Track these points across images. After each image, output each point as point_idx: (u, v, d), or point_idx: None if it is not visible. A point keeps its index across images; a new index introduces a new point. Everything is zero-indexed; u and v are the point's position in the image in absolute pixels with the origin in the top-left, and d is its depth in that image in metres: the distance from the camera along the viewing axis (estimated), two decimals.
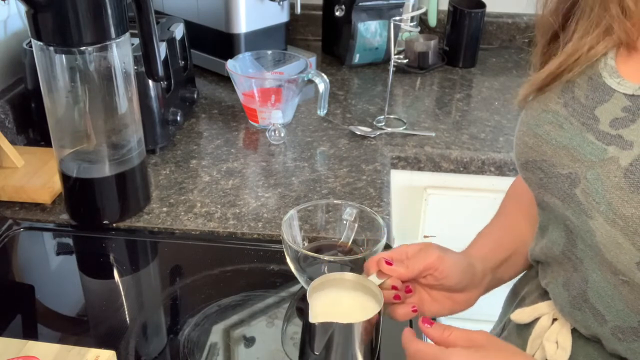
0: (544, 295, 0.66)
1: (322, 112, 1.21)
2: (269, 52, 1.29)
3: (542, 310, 0.66)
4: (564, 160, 0.57)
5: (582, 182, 0.55)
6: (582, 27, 0.57)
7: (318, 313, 0.61)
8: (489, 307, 1.03)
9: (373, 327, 0.60)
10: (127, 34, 0.82)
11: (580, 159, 0.55)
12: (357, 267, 0.77)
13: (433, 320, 0.58)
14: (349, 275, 0.65)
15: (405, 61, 1.44)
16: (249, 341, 0.73)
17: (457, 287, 0.67)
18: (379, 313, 0.60)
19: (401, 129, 1.21)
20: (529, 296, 0.70)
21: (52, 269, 0.86)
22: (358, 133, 1.18)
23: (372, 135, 1.18)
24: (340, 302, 0.64)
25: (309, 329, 0.62)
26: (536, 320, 0.66)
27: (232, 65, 1.20)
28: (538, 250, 0.66)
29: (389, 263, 0.63)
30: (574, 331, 0.62)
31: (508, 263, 0.72)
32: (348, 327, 0.59)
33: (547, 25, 0.62)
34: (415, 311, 0.64)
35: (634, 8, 0.53)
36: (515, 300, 0.75)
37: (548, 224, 0.63)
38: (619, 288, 0.54)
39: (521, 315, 0.68)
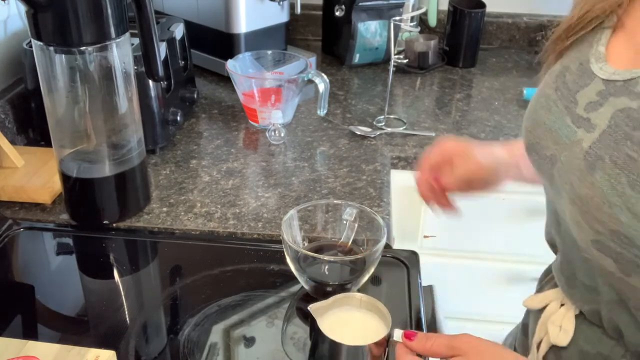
0: (556, 284, 0.69)
1: (322, 112, 1.21)
2: (269, 52, 1.29)
3: (551, 297, 0.68)
4: (548, 142, 0.59)
5: (557, 163, 0.57)
6: None
7: (327, 332, 0.61)
8: (489, 307, 1.04)
9: (382, 349, 0.60)
10: (127, 34, 0.82)
11: (558, 142, 0.57)
12: (357, 267, 0.77)
13: (414, 332, 0.59)
14: (357, 295, 0.65)
15: (405, 61, 1.44)
16: (249, 341, 0.73)
17: (478, 183, 0.80)
18: (388, 334, 0.60)
19: (401, 129, 1.21)
20: (546, 285, 0.73)
21: (52, 269, 0.86)
22: (358, 133, 1.18)
23: (372, 135, 1.18)
24: (349, 322, 0.64)
25: (317, 350, 0.62)
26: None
27: (232, 65, 1.20)
28: (545, 232, 0.70)
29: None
30: (578, 316, 0.64)
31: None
32: (357, 349, 0.59)
33: None
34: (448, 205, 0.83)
35: None
36: (536, 291, 0.78)
37: (547, 206, 0.67)
38: (590, 265, 0.57)
39: (532, 301, 0.72)
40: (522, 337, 0.78)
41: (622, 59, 0.55)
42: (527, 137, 0.64)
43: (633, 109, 0.50)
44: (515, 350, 0.80)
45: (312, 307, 0.62)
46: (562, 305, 0.66)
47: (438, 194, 0.82)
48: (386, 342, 0.60)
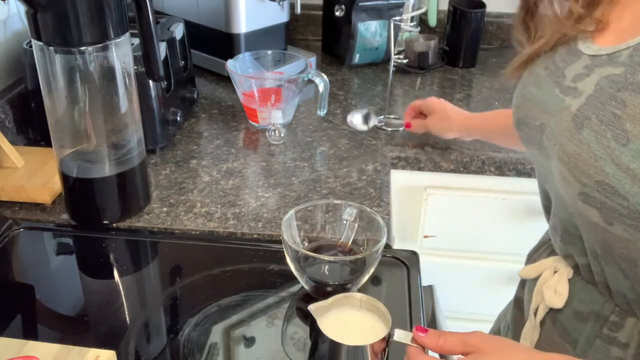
0: (549, 254, 0.74)
1: (322, 112, 1.21)
2: (269, 52, 1.29)
3: (545, 265, 0.73)
4: (538, 113, 0.65)
5: (547, 129, 0.63)
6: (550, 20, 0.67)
7: (327, 332, 0.61)
8: (489, 307, 1.04)
9: (382, 348, 0.60)
10: (127, 34, 0.82)
11: (547, 111, 0.63)
12: (357, 267, 0.77)
13: (426, 328, 0.59)
14: (349, 295, 0.65)
15: (405, 61, 1.44)
16: (249, 341, 0.73)
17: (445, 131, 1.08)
18: (388, 334, 0.60)
19: (401, 129, 1.21)
20: (538, 258, 0.77)
21: (52, 269, 0.86)
22: (359, 128, 1.18)
23: (367, 129, 1.18)
24: (349, 322, 0.64)
25: (317, 350, 0.62)
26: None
27: (232, 65, 1.20)
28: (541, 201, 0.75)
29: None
30: (571, 279, 0.69)
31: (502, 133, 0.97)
32: (357, 349, 0.59)
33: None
34: (408, 126, 1.13)
35: (584, 13, 0.62)
36: (528, 264, 0.81)
37: (538, 175, 0.73)
38: (578, 221, 0.62)
39: (527, 271, 0.76)
40: (516, 311, 0.81)
41: (605, 39, 0.60)
42: (516, 113, 0.70)
43: (617, 74, 0.55)
44: (508, 327, 0.84)
45: (312, 307, 0.62)
46: (555, 272, 0.71)
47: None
48: (386, 342, 0.60)
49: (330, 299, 0.64)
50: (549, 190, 0.69)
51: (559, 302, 0.69)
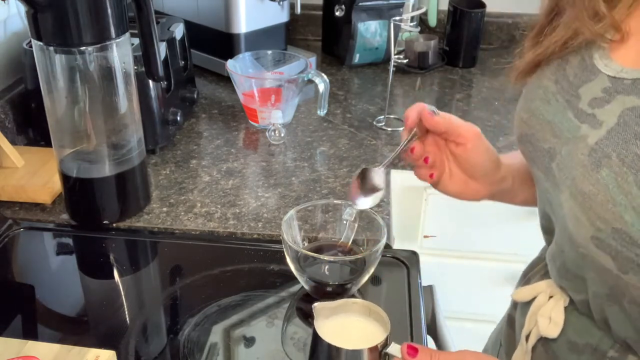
0: (544, 275, 0.69)
1: (322, 112, 1.21)
2: (269, 52, 1.29)
3: (540, 288, 0.68)
4: (547, 135, 0.59)
5: (557, 157, 0.57)
6: (568, 15, 0.58)
7: (324, 335, 0.61)
8: (489, 307, 1.04)
9: (380, 353, 0.60)
10: (127, 34, 0.82)
11: (558, 135, 0.57)
12: (357, 267, 0.77)
13: (416, 347, 0.57)
14: (357, 301, 0.65)
15: (405, 61, 1.44)
16: (249, 341, 0.73)
17: (478, 170, 0.71)
18: (386, 339, 0.60)
19: (401, 129, 1.21)
20: (533, 278, 0.73)
21: (52, 269, 0.86)
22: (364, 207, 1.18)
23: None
24: (348, 328, 0.64)
25: (314, 352, 0.62)
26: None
27: (232, 65, 1.20)
28: (540, 220, 0.69)
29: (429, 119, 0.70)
30: (567, 308, 0.64)
31: (527, 183, 0.75)
32: (356, 353, 0.59)
33: (547, 5, 0.63)
34: (432, 176, 0.71)
35: (606, 12, 0.54)
36: (521, 283, 0.77)
37: (539, 196, 0.66)
38: (584, 259, 0.56)
39: (521, 293, 0.71)
40: (508, 329, 0.77)
41: (626, 56, 0.54)
42: (521, 128, 0.63)
43: None
44: (501, 344, 0.80)
45: (317, 306, 0.62)
46: (550, 297, 0.66)
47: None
48: (381, 349, 0.60)
49: (335, 303, 0.64)
50: (553, 218, 0.62)
51: (553, 331, 0.64)
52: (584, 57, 0.57)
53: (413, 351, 0.55)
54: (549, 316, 0.65)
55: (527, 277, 0.75)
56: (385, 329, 0.62)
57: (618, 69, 0.53)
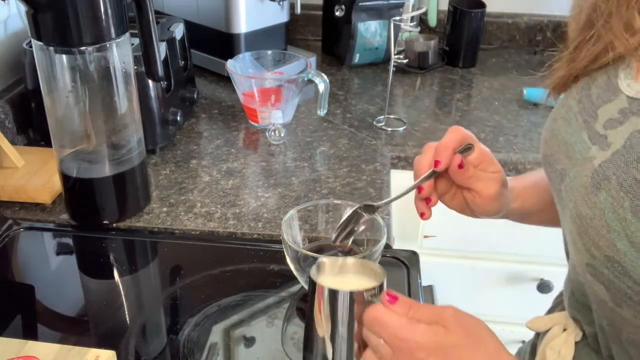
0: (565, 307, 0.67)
1: (322, 112, 1.21)
2: (269, 52, 1.29)
3: (555, 320, 0.66)
4: (561, 156, 0.56)
5: (567, 179, 0.54)
6: (602, 27, 0.55)
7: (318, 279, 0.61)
8: (489, 307, 1.04)
9: (366, 299, 0.59)
10: (127, 34, 0.82)
11: (571, 157, 0.55)
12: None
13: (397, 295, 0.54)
14: (350, 260, 0.65)
15: (405, 61, 1.43)
16: (249, 341, 0.73)
17: (482, 214, 0.69)
18: (375, 288, 0.58)
19: (401, 129, 1.21)
20: (557, 307, 0.71)
21: (52, 269, 0.86)
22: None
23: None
24: (344, 281, 0.64)
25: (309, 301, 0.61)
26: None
27: (232, 65, 1.20)
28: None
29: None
30: (578, 343, 0.62)
31: (539, 205, 0.73)
32: (351, 296, 0.59)
33: (584, 19, 0.58)
34: (423, 216, 0.69)
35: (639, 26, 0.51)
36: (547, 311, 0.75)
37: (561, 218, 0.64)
38: (588, 291, 0.55)
39: (535, 323, 0.69)
40: (530, 358, 0.73)
41: None
42: (543, 148, 0.61)
43: None
44: None
45: (320, 261, 0.62)
46: (564, 330, 0.64)
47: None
48: (369, 296, 0.58)
49: (338, 261, 0.63)
50: (565, 243, 0.60)
51: None
52: (610, 76, 0.54)
53: (392, 299, 0.54)
54: (558, 350, 0.63)
55: (554, 304, 0.73)
56: (378, 280, 0.61)
57: (638, 89, 0.50)
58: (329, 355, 0.60)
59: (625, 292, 0.47)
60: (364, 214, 0.71)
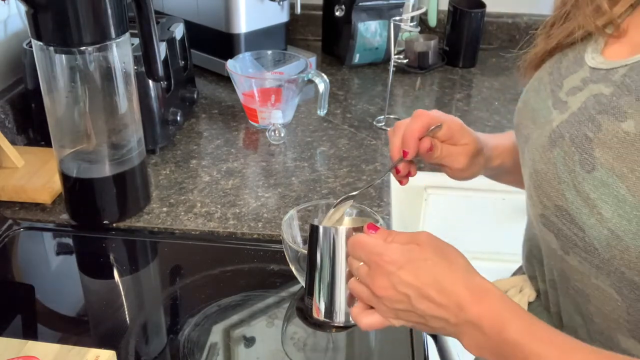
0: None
1: (322, 112, 1.21)
2: (269, 52, 1.29)
3: (513, 282, 0.71)
4: (528, 122, 0.61)
5: (529, 141, 0.60)
6: (574, 7, 0.60)
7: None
8: None
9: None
10: (127, 34, 0.82)
11: (536, 122, 0.60)
12: None
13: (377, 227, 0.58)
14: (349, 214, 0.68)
15: (405, 61, 1.44)
16: (249, 341, 0.73)
17: (455, 165, 0.72)
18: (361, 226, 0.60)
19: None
20: (518, 272, 0.76)
21: (52, 269, 0.86)
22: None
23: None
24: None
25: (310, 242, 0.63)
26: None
27: (232, 65, 1.20)
28: None
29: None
30: (533, 304, 0.67)
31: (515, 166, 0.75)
32: (344, 232, 0.60)
33: (559, 0, 0.65)
34: (397, 172, 0.71)
35: (607, 8, 0.56)
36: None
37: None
38: (541, 243, 0.60)
39: (496, 285, 0.72)
40: None
41: (616, 52, 0.55)
42: (515, 117, 0.66)
43: (604, 94, 0.52)
44: None
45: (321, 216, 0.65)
46: (520, 291, 0.69)
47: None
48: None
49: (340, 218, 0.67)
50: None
51: None
52: (579, 51, 0.59)
53: (373, 227, 0.58)
54: None
55: (514, 271, 0.77)
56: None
57: (600, 61, 0.55)
58: (324, 292, 0.62)
59: (571, 239, 0.52)
60: (347, 208, 0.72)
